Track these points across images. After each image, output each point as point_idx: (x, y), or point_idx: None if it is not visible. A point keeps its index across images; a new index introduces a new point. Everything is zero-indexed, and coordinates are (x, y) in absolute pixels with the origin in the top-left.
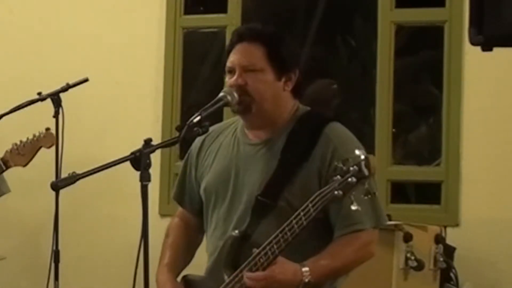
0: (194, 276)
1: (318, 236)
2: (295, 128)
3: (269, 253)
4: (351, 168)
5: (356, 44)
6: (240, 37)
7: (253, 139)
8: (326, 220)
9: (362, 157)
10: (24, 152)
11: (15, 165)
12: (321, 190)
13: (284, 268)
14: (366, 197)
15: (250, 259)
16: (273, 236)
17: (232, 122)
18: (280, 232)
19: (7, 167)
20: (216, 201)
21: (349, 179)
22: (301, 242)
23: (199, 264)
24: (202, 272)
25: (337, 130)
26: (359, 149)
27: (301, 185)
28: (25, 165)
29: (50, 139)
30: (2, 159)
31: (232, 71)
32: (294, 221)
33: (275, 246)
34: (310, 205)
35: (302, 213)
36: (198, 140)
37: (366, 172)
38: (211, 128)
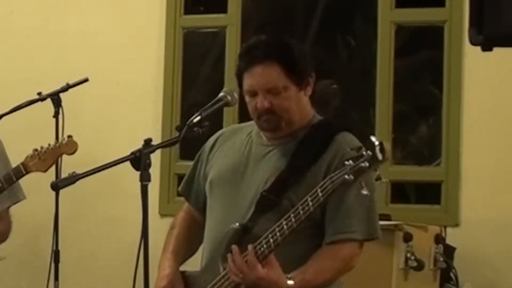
0: (191, 272)
1: (308, 239)
2: (308, 134)
3: (271, 240)
4: (365, 153)
5: (356, 44)
6: (252, 59)
7: (267, 141)
8: (321, 222)
9: (377, 142)
10: (45, 158)
11: (36, 170)
12: (332, 174)
13: (277, 273)
14: (377, 181)
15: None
16: (276, 224)
17: (249, 124)
18: (285, 219)
19: (27, 172)
20: (221, 195)
21: (362, 164)
22: (294, 242)
23: (198, 260)
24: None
25: (348, 139)
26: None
27: (307, 187)
28: (45, 171)
29: (73, 146)
30: (23, 163)
31: (252, 93)
32: (300, 207)
33: (278, 234)
34: (319, 190)
35: (309, 198)
36: (212, 138)
37: (380, 156)
38: (226, 128)
